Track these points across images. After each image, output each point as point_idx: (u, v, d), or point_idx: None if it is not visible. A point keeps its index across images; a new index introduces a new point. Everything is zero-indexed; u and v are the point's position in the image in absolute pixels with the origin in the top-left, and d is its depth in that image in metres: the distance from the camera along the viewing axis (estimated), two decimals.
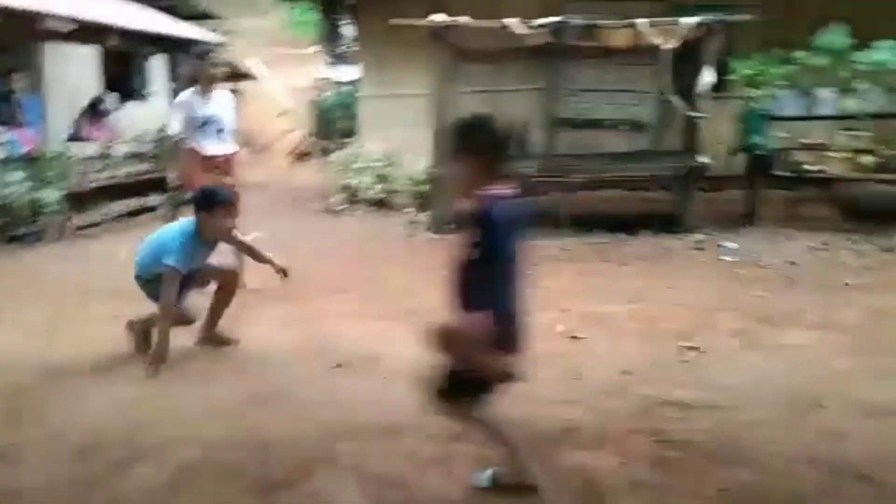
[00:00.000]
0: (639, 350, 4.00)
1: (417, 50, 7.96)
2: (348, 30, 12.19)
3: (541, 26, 7.22)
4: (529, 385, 3.48)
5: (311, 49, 17.74)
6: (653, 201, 8.28)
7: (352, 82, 15.01)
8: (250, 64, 18.91)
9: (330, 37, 11.88)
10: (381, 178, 9.22)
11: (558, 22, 7.13)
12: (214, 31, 17.74)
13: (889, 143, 7.15)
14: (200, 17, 17.91)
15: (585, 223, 7.32)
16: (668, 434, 2.94)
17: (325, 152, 13.51)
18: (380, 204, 9.06)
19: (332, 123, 15.26)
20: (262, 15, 24.98)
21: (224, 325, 4.20)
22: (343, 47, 13.33)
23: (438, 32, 7.44)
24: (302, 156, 17.49)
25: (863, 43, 7.27)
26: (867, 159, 7.02)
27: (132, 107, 10.83)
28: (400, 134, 9.04)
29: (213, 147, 5.38)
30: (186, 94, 5.42)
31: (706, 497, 2.51)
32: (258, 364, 3.90)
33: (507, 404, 3.23)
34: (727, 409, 3.18)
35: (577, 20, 7.29)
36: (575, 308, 4.81)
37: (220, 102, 5.45)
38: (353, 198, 9.24)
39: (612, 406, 3.25)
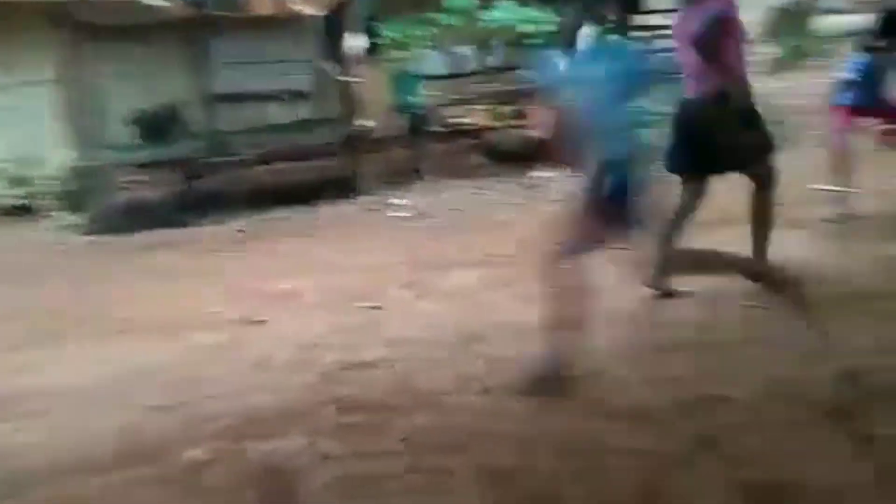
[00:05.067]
0: (322, 320, 3.99)
1: (40, 30, 6.93)
2: None
3: None
4: (214, 381, 3.33)
5: None
6: (326, 169, 8.36)
7: None
8: None
9: None
10: (17, 182, 7.93)
11: None
12: None
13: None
14: None
15: (261, 200, 7.12)
16: (351, 399, 2.97)
17: None
18: (21, 211, 7.80)
19: None
20: None
21: None
22: None
23: (58, 10, 6.52)
24: None
25: (486, 3, 8.07)
26: (504, 109, 7.87)
27: None
28: (31, 129, 7.81)
29: None
30: None
31: (391, 452, 2.58)
32: None
33: (193, 404, 3.05)
34: (404, 360, 3.32)
35: None
36: (257, 290, 4.66)
37: None
38: None
39: (297, 383, 3.20)
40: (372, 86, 8.73)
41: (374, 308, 4.08)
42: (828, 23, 12.57)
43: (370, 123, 7.59)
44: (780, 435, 2.42)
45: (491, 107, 7.92)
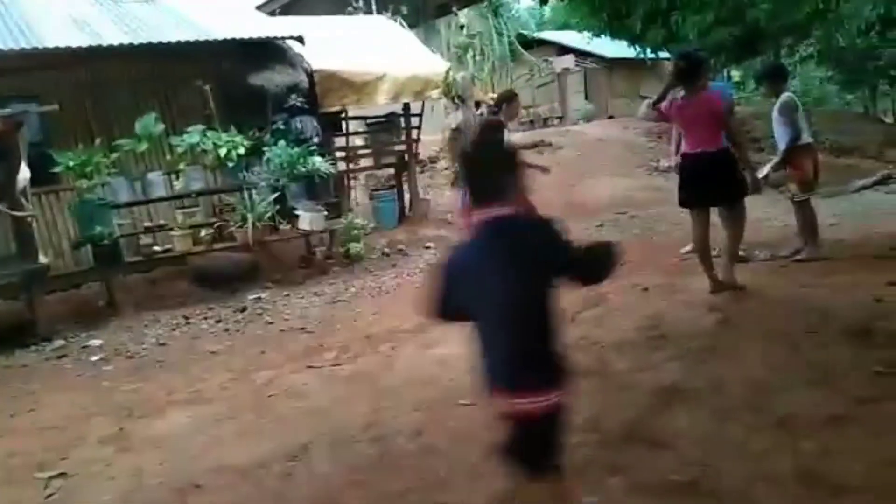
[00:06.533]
0: None
1: None
2: None
3: None
4: None
5: None
6: None
7: None
8: None
9: None
10: None
11: None
12: None
13: (219, 215, 7.89)
14: None
15: None
16: None
17: None
18: None
19: None
20: None
21: None
22: None
23: None
24: None
25: (174, 128, 7.85)
26: (205, 232, 7.59)
27: None
28: None
29: None
30: None
31: None
32: None
33: None
34: None
35: None
36: None
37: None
38: None
39: None
40: (50, 219, 7.90)
41: (60, 476, 3.50)
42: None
43: (48, 260, 6.77)
44: None
45: (191, 231, 7.56)
